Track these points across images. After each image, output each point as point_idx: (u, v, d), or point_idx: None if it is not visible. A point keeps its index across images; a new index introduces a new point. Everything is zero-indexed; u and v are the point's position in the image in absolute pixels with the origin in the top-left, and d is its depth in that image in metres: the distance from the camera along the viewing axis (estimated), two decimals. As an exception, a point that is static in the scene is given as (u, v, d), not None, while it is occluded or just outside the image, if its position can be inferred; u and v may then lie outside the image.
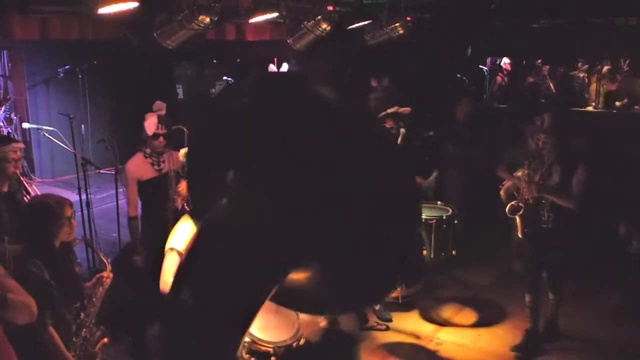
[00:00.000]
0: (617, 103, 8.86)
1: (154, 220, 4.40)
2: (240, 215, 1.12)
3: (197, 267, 1.13)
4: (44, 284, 2.86)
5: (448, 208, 5.38)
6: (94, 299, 3.18)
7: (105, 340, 3.18)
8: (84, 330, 3.10)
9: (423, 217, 4.91)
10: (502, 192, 5.41)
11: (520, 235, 4.68)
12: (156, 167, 4.43)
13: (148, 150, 4.43)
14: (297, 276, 1.19)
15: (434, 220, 5.07)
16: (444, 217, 5.17)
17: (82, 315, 3.13)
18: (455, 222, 5.21)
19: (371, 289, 1.27)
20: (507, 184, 5.32)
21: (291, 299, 1.29)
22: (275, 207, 1.11)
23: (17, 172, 4.06)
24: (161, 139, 4.38)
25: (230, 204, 1.13)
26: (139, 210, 4.52)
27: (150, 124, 4.38)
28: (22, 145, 4.19)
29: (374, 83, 8.28)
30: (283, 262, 1.13)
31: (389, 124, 5.32)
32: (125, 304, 4.38)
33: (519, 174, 4.75)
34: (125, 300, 4.39)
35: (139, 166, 4.41)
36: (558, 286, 4.67)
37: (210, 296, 1.10)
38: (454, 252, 5.17)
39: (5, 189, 4.01)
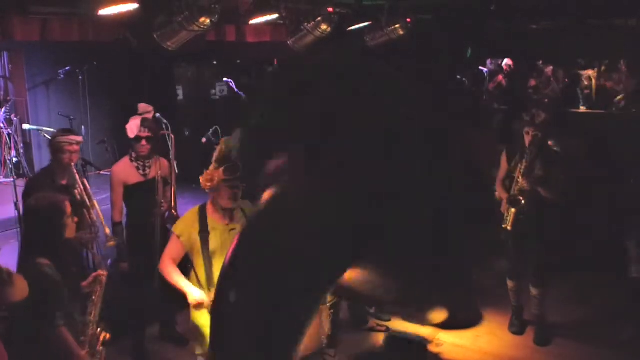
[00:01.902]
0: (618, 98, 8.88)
1: (140, 225, 4.36)
2: (292, 209, 0.94)
3: (243, 270, 0.99)
4: (57, 285, 2.88)
5: None
6: (93, 298, 3.21)
7: (107, 335, 3.20)
8: (90, 328, 3.14)
9: None
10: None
11: (509, 228, 4.73)
12: (141, 172, 4.37)
13: (134, 155, 4.38)
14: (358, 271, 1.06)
15: None
16: None
17: (86, 314, 3.16)
18: None
19: (438, 289, 1.18)
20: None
21: (350, 293, 1.18)
22: (340, 199, 0.95)
23: (73, 164, 4.06)
24: (144, 142, 4.30)
25: (282, 194, 0.96)
26: (124, 216, 4.48)
27: (133, 126, 4.33)
28: (80, 138, 4.17)
29: None
30: (344, 262, 0.99)
31: None
32: (124, 305, 4.39)
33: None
34: (124, 301, 4.40)
35: (124, 170, 4.37)
36: (540, 279, 4.82)
37: (256, 307, 0.95)
38: None
39: (63, 181, 4.05)
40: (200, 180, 3.37)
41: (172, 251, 3.41)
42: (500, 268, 5.69)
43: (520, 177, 4.63)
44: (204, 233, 3.32)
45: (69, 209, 3.12)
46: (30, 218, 3.17)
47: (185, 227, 3.40)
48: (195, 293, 3.21)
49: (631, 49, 8.04)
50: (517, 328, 5.00)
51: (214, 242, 3.31)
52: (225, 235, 3.34)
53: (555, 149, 4.86)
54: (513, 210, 4.66)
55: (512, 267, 4.95)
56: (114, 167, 4.48)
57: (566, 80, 10.59)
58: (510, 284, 5.01)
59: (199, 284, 3.29)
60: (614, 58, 9.55)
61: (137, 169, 4.37)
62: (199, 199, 3.93)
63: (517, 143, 4.78)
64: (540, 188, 4.57)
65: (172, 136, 4.73)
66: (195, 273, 3.35)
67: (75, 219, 3.19)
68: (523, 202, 4.61)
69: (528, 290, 4.92)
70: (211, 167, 3.38)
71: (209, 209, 3.42)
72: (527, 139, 4.62)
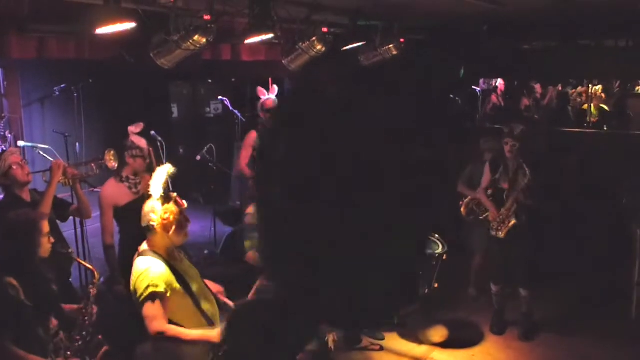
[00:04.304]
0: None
1: (134, 244, 4.33)
2: None
3: None
4: (17, 307, 2.84)
5: (440, 244, 5.03)
6: (85, 310, 3.21)
7: (105, 347, 3.16)
8: (70, 351, 3.08)
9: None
10: (462, 209, 5.53)
11: (502, 236, 5.00)
12: (134, 190, 4.34)
13: (124, 174, 4.36)
14: None
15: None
16: (436, 254, 4.88)
17: (62, 334, 3.12)
18: (444, 257, 4.93)
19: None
20: (467, 199, 5.50)
21: None
22: None
23: (29, 178, 4.00)
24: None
25: None
26: (116, 237, 4.41)
27: (143, 143, 4.40)
28: (14, 149, 4.29)
29: None
30: None
31: None
32: (115, 323, 4.35)
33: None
34: (115, 319, 4.36)
35: (114, 191, 4.31)
36: (527, 281, 5.09)
37: None
38: (436, 285, 5.00)
39: (27, 198, 3.98)
40: (158, 222, 3.15)
41: (163, 314, 3.00)
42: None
43: (507, 188, 4.93)
44: (181, 277, 3.13)
45: (45, 228, 3.08)
46: (4, 236, 3.12)
47: (167, 280, 3.05)
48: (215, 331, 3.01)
49: (621, 69, 8.16)
50: (499, 329, 5.28)
51: (192, 281, 3.18)
52: (188, 269, 3.25)
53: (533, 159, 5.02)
54: (513, 221, 4.88)
55: (498, 273, 5.21)
56: (103, 190, 4.41)
57: (555, 99, 10.73)
58: (494, 288, 5.29)
59: (205, 320, 3.14)
60: (604, 78, 9.69)
61: (129, 188, 4.35)
62: (193, 217, 3.90)
63: (500, 155, 5.01)
64: (523, 196, 4.82)
65: (162, 142, 4.75)
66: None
67: (51, 239, 3.15)
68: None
69: (514, 294, 5.23)
70: (158, 205, 3.16)
71: (161, 253, 3.16)
72: (507, 149, 4.85)
